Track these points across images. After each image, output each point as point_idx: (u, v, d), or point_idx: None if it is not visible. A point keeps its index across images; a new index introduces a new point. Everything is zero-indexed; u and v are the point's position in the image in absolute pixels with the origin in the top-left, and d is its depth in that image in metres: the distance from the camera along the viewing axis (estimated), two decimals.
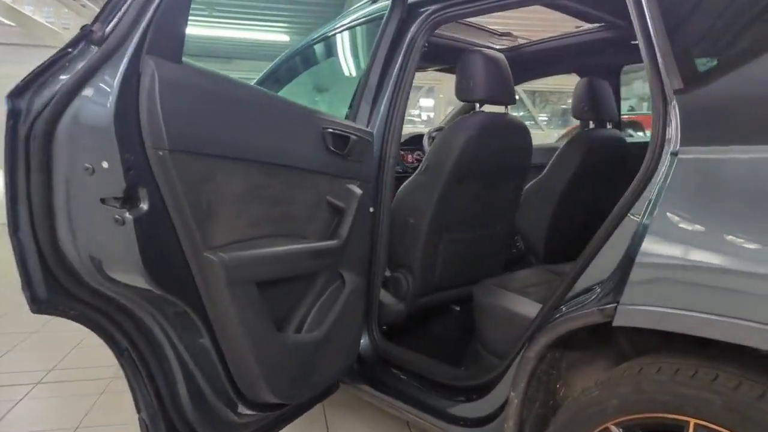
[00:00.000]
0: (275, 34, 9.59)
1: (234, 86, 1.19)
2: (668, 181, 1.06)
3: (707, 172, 1.02)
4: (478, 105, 1.96)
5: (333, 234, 1.53)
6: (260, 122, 1.24)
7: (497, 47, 2.86)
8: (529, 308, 1.69)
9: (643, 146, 2.74)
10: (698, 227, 1.00)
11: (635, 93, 13.56)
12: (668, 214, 1.04)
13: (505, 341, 1.66)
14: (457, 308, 2.43)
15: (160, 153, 1.00)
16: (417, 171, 2.01)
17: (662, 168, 1.09)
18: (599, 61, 2.75)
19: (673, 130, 1.10)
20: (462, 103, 3.22)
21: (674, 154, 1.07)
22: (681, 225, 1.02)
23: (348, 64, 2.48)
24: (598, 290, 1.21)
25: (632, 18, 1.29)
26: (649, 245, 1.05)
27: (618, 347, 1.37)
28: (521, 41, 2.94)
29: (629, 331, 1.16)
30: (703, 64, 1.15)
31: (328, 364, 1.53)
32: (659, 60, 1.19)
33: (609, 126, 2.52)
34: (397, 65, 1.79)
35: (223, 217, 1.16)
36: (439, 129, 3.12)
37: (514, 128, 2.04)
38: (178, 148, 1.02)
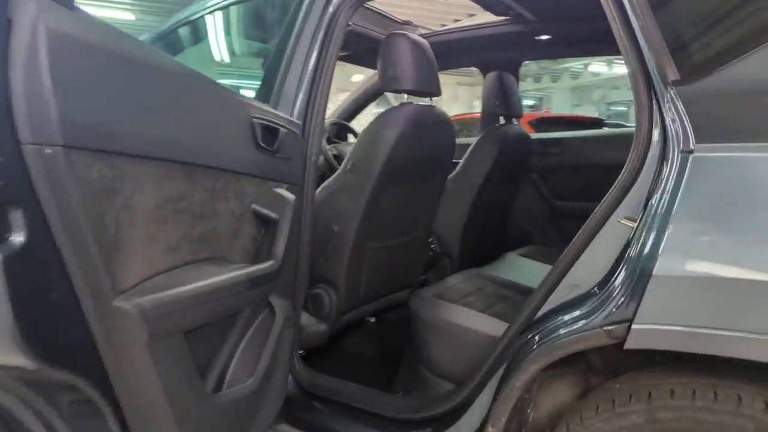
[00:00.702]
0: (118, 11, 8.47)
1: (150, 53, 0.83)
2: (684, 184, 0.94)
3: (737, 173, 0.92)
4: (387, 97, 1.76)
5: (265, 253, 1.21)
6: (183, 107, 0.89)
7: None
8: (483, 323, 1.53)
9: (546, 143, 2.80)
10: (734, 235, 0.89)
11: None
12: (691, 220, 0.93)
13: (460, 362, 1.49)
14: (372, 320, 2.21)
15: (47, 151, 0.62)
16: (340, 170, 1.74)
17: (670, 168, 0.98)
18: (502, 56, 2.71)
19: (679, 125, 0.99)
20: (359, 92, 3.00)
21: (687, 152, 0.96)
22: (711, 233, 0.91)
23: (243, 43, 2.12)
24: (591, 306, 1.07)
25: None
26: (671, 256, 0.92)
27: (587, 362, 1.26)
28: (422, 31, 2.79)
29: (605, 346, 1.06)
30: (701, 48, 1.05)
31: (263, 416, 1.22)
32: (643, 46, 1.08)
33: (515, 122, 2.49)
34: (317, 45, 1.50)
35: (137, 242, 0.80)
36: (336, 123, 2.86)
37: (442, 122, 1.87)
38: (75, 143, 0.65)
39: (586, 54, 2.70)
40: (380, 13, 2.66)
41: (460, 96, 14.89)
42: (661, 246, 0.93)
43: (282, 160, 1.28)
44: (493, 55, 2.70)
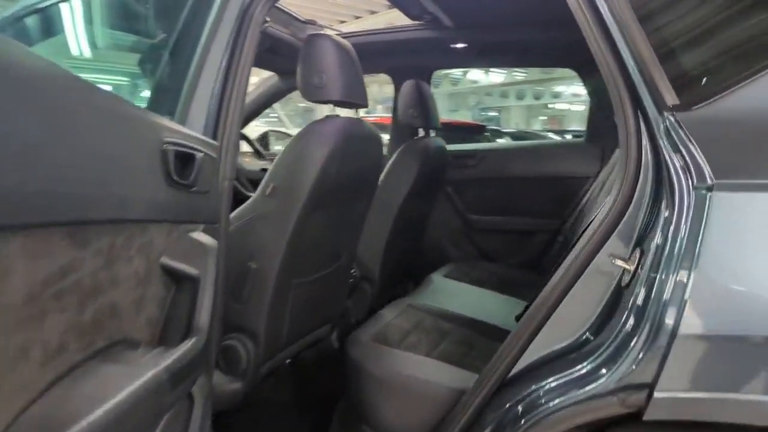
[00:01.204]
0: None
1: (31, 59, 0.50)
2: (707, 226, 0.81)
3: None
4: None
5: (178, 323, 0.90)
6: (63, 135, 0.57)
7: (300, 36, 2.42)
8: (439, 372, 1.34)
9: (460, 154, 2.70)
10: None
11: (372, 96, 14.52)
12: (721, 269, 0.80)
13: (416, 421, 1.28)
14: (288, 361, 1.93)
15: None
16: (257, 194, 1.45)
17: (681, 206, 0.85)
18: (414, 63, 2.56)
19: (686, 157, 0.87)
20: (251, 98, 2.68)
21: (705, 188, 0.84)
22: (747, 284, 0.79)
23: (110, 35, 1.72)
24: (592, 365, 0.92)
25: (577, 8, 1.04)
26: (700, 310, 0.80)
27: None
28: (327, 32, 2.54)
29: None
30: (708, 66, 0.95)
31: None
32: (630, 66, 0.96)
33: (433, 133, 2.35)
34: (228, 45, 1.20)
35: None
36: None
37: (372, 138, 1.65)
38: None
39: (503, 65, 2.64)
40: (281, 9, 2.37)
41: None
42: (686, 298, 0.80)
43: (198, 194, 0.97)
44: (405, 61, 2.54)
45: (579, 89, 13.62)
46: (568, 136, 10.98)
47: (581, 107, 17.90)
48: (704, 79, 0.93)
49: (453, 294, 1.98)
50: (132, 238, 0.76)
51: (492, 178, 2.63)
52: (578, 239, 1.12)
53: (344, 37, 2.46)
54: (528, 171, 2.56)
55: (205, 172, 0.98)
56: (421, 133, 2.31)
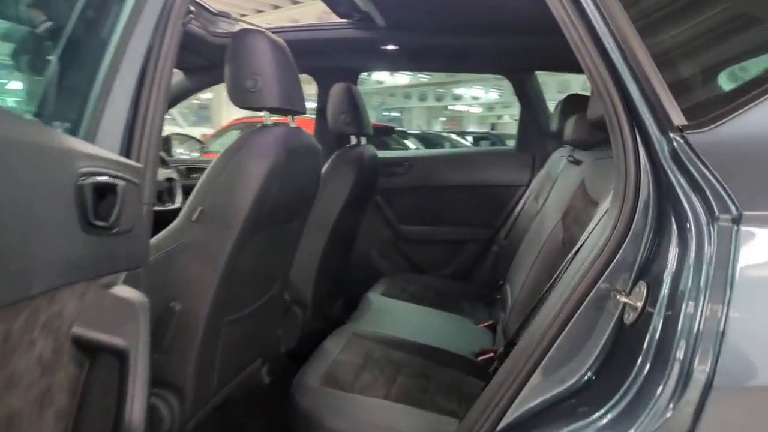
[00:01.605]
0: None
1: None
2: (741, 265, 0.73)
3: None
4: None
5: (97, 412, 0.66)
6: None
7: (219, 31, 2.15)
8: (405, 418, 1.19)
9: (390, 162, 2.56)
10: None
11: None
12: (763, 312, 0.73)
13: None
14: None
15: None
16: (180, 220, 1.20)
17: (701, 239, 0.77)
18: (340, 64, 2.38)
19: (703, 184, 0.79)
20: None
21: (731, 220, 0.75)
22: None
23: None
24: (606, 419, 0.82)
25: (558, 7, 0.94)
26: (740, 361, 0.71)
27: None
28: (243, 26, 2.29)
29: None
30: (722, 81, 0.87)
31: None
32: (627, 80, 0.87)
33: (363, 141, 2.20)
34: (143, 41, 0.95)
35: None
36: None
37: (313, 149, 1.46)
38: None
39: (434, 69, 2.54)
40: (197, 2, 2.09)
41: None
42: (721, 344, 0.72)
43: (120, 236, 0.73)
44: (331, 61, 2.36)
45: (478, 92, 14.17)
46: (469, 138, 11.40)
47: (479, 109, 18.68)
48: (718, 93, 0.86)
49: (395, 315, 1.84)
50: (35, 316, 0.52)
51: (421, 187, 2.53)
52: (565, 269, 1.02)
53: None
54: (458, 179, 2.49)
55: (129, 205, 0.74)
56: (354, 140, 2.14)
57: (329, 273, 2.07)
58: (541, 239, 1.53)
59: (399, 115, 17.74)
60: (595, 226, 0.99)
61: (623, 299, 0.87)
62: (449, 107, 17.14)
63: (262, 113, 1.31)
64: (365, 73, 11.95)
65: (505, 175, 2.44)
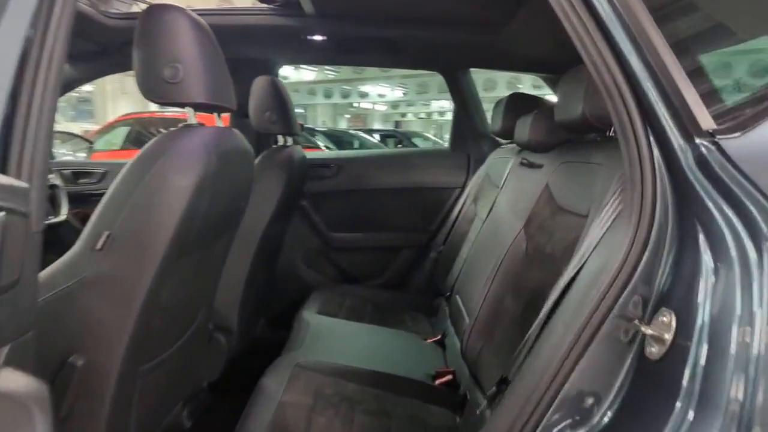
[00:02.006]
0: None
1: None
2: None
3: None
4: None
5: None
6: None
7: (113, 11, 1.82)
8: None
9: (318, 164, 2.33)
10: None
11: None
12: None
13: None
14: None
15: None
16: (80, 249, 0.93)
17: (749, 266, 0.67)
18: (260, 55, 2.13)
19: (746, 200, 0.68)
20: None
21: None
22: None
23: None
24: None
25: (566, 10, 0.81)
26: None
27: None
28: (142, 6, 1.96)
29: None
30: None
31: None
32: (642, 79, 0.76)
33: (290, 141, 1.98)
34: (20, 18, 0.69)
35: None
36: None
37: (246, 153, 1.23)
38: None
39: (363, 63, 2.36)
40: None
41: (129, 89, 12.89)
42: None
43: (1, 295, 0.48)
44: (250, 51, 2.10)
45: (384, 90, 14.18)
46: (376, 135, 11.35)
47: (383, 107, 18.75)
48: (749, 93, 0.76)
49: (337, 337, 1.65)
50: None
51: (351, 190, 2.34)
52: (564, 292, 0.89)
53: None
54: (391, 181, 2.34)
55: (13, 244, 0.49)
56: (281, 141, 1.91)
57: (255, 291, 1.83)
58: (500, 248, 1.42)
59: (303, 111, 17.35)
60: (597, 243, 0.87)
61: (645, 330, 0.75)
62: (355, 105, 17.03)
63: (183, 110, 1.07)
64: None
65: (440, 176, 2.33)
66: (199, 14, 1.91)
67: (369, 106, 17.80)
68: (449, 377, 1.46)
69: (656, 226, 0.77)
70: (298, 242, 2.33)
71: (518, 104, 1.77)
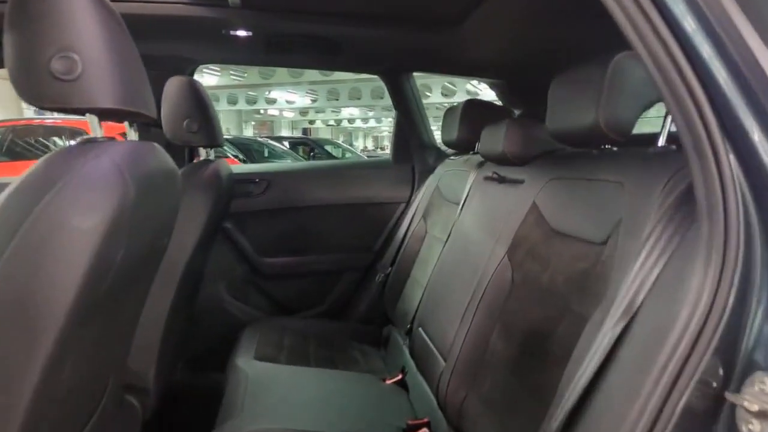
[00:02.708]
0: None
1: None
2: None
3: None
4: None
5: None
6: None
7: None
8: None
9: (244, 178, 2.02)
10: None
11: None
12: None
13: None
14: None
15: None
16: None
17: None
18: (173, 52, 1.79)
19: None
20: None
21: None
22: None
23: None
24: None
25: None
26: None
27: None
28: None
29: None
30: None
31: None
32: (720, 77, 0.60)
33: (212, 154, 1.68)
34: None
35: None
36: None
37: (170, 174, 0.94)
38: None
39: (295, 63, 2.08)
40: None
41: (1, 94, 11.39)
42: None
43: None
44: (161, 48, 1.76)
45: (293, 96, 13.75)
46: (286, 143, 10.94)
47: (290, 114, 18.25)
48: None
49: (285, 392, 1.37)
50: None
51: (283, 209, 2.07)
52: (604, 351, 0.71)
53: None
54: (327, 197, 2.09)
55: None
56: (203, 154, 1.60)
57: (174, 337, 1.51)
58: (476, 276, 1.23)
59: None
60: (651, 286, 0.70)
61: (736, 400, 0.59)
62: (261, 111, 16.41)
63: (82, 117, 0.77)
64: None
65: (382, 190, 2.12)
66: None
67: (276, 112, 17.25)
68: (424, 430, 1.25)
69: (741, 267, 0.61)
70: (221, 271, 2.01)
71: (478, 112, 1.61)
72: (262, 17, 1.61)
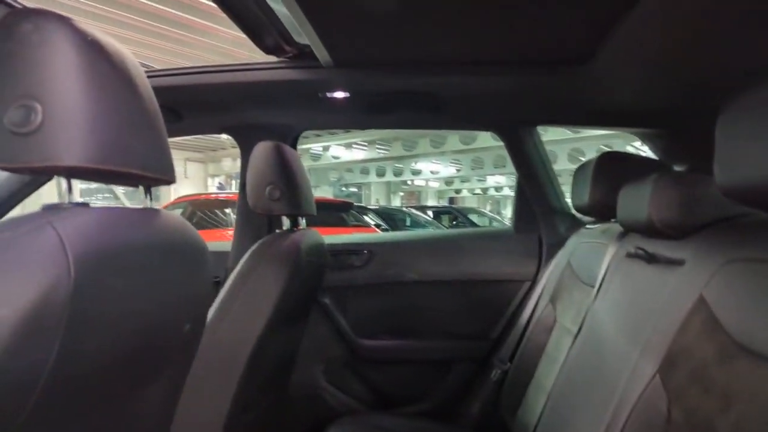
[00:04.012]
0: None
1: None
2: None
3: None
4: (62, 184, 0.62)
5: None
6: None
7: None
8: None
9: (343, 250, 1.84)
10: None
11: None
12: None
13: None
14: None
15: None
16: None
17: None
18: (270, 119, 1.73)
19: None
20: None
21: None
22: None
23: None
24: None
25: None
26: None
27: None
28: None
29: None
30: None
31: None
32: None
33: (303, 222, 1.51)
34: None
35: None
36: None
37: (172, 248, 0.75)
38: None
39: (402, 125, 1.91)
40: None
41: (191, 174, 13.28)
42: None
43: None
44: (257, 116, 1.71)
45: (437, 166, 13.91)
46: (429, 212, 10.92)
47: (436, 184, 18.49)
48: None
49: None
50: None
51: (387, 284, 1.83)
52: None
53: (169, 74, 1.57)
54: (438, 272, 1.81)
55: None
56: (286, 224, 1.45)
57: (253, 420, 1.31)
58: (611, 395, 0.85)
59: (356, 191, 17.34)
60: None
61: None
62: (408, 182, 16.86)
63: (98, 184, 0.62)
64: (320, 147, 11.52)
65: (502, 266, 1.78)
66: (198, 71, 1.56)
67: (422, 183, 17.54)
68: None
69: None
70: (318, 351, 1.81)
71: (617, 167, 1.24)
72: (357, 75, 1.46)
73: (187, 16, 4.96)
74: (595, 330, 1.12)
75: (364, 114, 1.67)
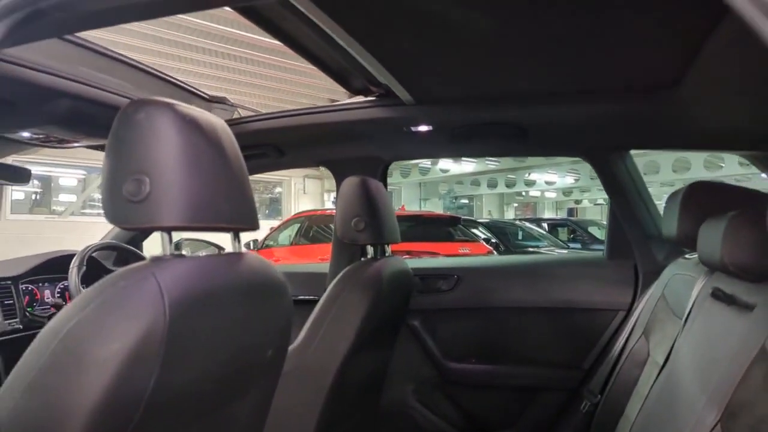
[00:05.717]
0: None
1: None
2: None
3: None
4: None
5: None
6: None
7: None
8: None
9: (430, 274, 1.89)
10: None
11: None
12: None
13: None
14: None
15: None
16: None
17: None
18: (360, 153, 1.86)
19: None
20: None
21: None
22: None
23: None
24: None
25: None
26: None
27: None
28: (246, 113, 1.85)
29: None
30: None
31: None
32: None
33: (389, 250, 1.60)
34: None
35: None
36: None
37: (250, 287, 0.88)
38: None
39: (482, 152, 1.95)
40: (178, 85, 1.68)
41: (309, 190, 14.17)
42: None
43: None
44: (348, 150, 1.84)
45: (552, 177, 13.37)
46: (544, 225, 10.51)
47: (552, 194, 17.73)
48: None
49: None
50: None
51: (474, 308, 1.86)
52: None
53: (258, 120, 1.77)
54: (526, 298, 1.80)
55: None
56: (370, 252, 1.56)
57: None
58: None
59: (467, 202, 17.18)
60: None
61: None
62: (522, 193, 16.37)
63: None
64: (428, 161, 11.63)
65: (595, 294, 1.73)
66: (296, 113, 1.73)
67: (537, 194, 16.94)
68: None
69: None
70: (409, 372, 1.88)
71: (702, 199, 1.18)
72: (438, 110, 1.54)
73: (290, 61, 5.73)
74: (676, 368, 1.07)
75: (449, 144, 1.73)
